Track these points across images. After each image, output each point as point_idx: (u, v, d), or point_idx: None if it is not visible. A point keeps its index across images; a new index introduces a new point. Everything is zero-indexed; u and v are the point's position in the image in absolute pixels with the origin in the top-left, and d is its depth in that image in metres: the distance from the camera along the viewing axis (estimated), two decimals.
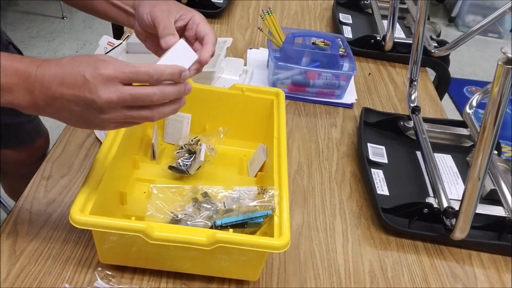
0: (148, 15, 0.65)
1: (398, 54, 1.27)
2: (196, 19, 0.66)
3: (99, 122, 0.54)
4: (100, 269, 0.65)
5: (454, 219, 0.74)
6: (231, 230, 0.63)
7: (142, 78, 0.53)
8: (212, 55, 0.63)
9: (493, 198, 0.85)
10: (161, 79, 0.54)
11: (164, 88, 0.54)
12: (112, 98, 0.51)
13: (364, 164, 0.88)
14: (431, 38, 1.31)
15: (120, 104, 0.52)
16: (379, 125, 1.00)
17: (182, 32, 0.67)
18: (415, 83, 1.04)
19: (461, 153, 0.97)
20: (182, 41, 0.60)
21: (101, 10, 0.73)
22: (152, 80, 0.53)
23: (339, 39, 1.15)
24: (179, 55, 0.59)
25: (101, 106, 0.52)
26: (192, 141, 0.81)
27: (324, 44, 1.14)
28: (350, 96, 1.10)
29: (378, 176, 0.87)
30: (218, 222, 0.64)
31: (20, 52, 1.06)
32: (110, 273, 0.65)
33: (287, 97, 1.06)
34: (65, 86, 0.52)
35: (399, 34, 1.39)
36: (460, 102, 2.79)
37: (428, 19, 1.12)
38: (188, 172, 0.78)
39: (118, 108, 0.53)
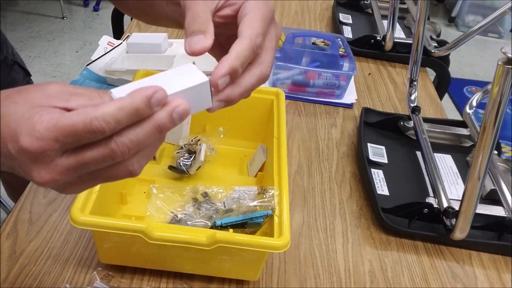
0: (184, 1, 0.44)
1: (398, 54, 1.27)
2: (247, 7, 0.44)
3: (60, 192, 0.39)
4: (100, 269, 0.65)
5: (454, 219, 0.74)
6: (231, 230, 0.63)
7: (86, 138, 0.34)
8: (232, 72, 0.40)
9: (493, 198, 0.85)
10: (119, 128, 0.34)
11: (127, 135, 0.35)
12: (55, 178, 0.36)
13: (364, 164, 0.88)
14: (431, 38, 1.31)
15: (72, 177, 0.36)
16: (379, 125, 1.00)
17: (228, 27, 0.46)
18: (415, 83, 1.04)
19: (461, 153, 0.97)
20: (190, 65, 0.40)
21: (158, 8, 0.53)
22: (103, 136, 0.34)
23: (339, 39, 1.15)
24: (180, 79, 0.38)
25: (48, 187, 0.37)
26: (192, 141, 0.81)
27: (324, 44, 1.14)
28: (350, 96, 1.11)
29: (378, 176, 0.87)
30: (218, 222, 0.64)
31: (26, 72, 1.05)
32: (110, 273, 0.65)
33: (287, 97, 1.06)
34: None
35: (399, 34, 1.39)
36: (460, 102, 2.79)
37: (428, 19, 1.12)
38: (188, 172, 0.78)
39: (73, 180, 0.37)
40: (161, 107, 0.35)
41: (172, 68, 0.39)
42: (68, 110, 0.36)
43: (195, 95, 0.38)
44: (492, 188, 0.85)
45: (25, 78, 1.03)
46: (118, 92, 0.36)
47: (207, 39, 0.41)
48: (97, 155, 0.35)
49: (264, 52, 0.44)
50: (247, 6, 0.44)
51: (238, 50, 0.40)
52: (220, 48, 0.49)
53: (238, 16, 0.45)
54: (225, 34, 0.48)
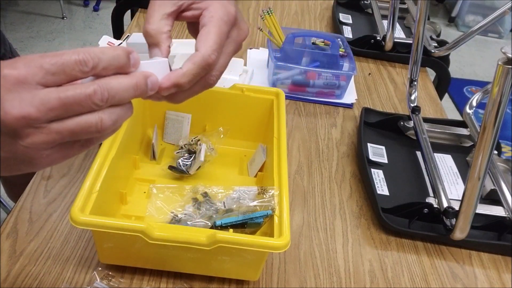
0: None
1: (398, 54, 1.27)
2: (206, 16, 0.46)
3: (22, 155, 0.35)
4: (100, 269, 0.65)
5: (454, 219, 0.74)
6: (231, 230, 0.63)
7: (70, 70, 0.35)
8: (177, 86, 0.43)
9: (493, 198, 0.85)
10: (101, 66, 0.36)
11: (109, 81, 0.37)
12: (29, 112, 0.33)
13: (364, 164, 0.88)
14: (431, 38, 1.31)
15: (44, 118, 0.34)
16: (379, 125, 1.00)
17: (194, 29, 0.48)
18: (415, 83, 1.04)
19: (461, 153, 0.97)
20: (159, 58, 0.44)
21: None
22: (86, 70, 0.36)
23: (339, 39, 1.15)
24: (154, 69, 0.42)
25: (15, 128, 0.33)
26: (192, 141, 0.81)
27: (324, 44, 1.14)
28: (350, 96, 1.11)
29: (378, 176, 0.87)
30: (218, 222, 0.64)
31: None
32: (110, 273, 0.65)
33: (287, 97, 1.06)
34: None
35: (399, 34, 1.39)
36: (460, 102, 2.79)
37: (428, 19, 1.12)
38: (188, 172, 0.78)
39: (43, 125, 0.34)
40: (134, 68, 0.39)
41: (152, 60, 0.44)
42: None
43: (158, 71, 0.42)
44: (492, 188, 0.85)
45: None
46: None
47: (162, 53, 0.45)
48: (79, 92, 0.35)
49: (220, 58, 0.46)
50: (206, 15, 0.46)
51: (188, 68, 0.43)
52: (197, 33, 0.50)
53: (200, 23, 0.46)
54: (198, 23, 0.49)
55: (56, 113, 0.35)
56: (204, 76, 0.45)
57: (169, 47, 0.46)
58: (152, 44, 0.46)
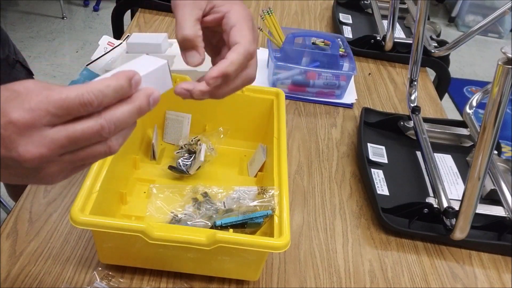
0: (173, 8, 0.49)
1: (398, 54, 1.27)
2: (232, 17, 0.49)
3: (40, 180, 0.39)
4: (100, 269, 0.65)
5: (454, 219, 0.74)
6: (231, 230, 0.63)
7: (77, 111, 0.36)
8: (225, 76, 0.46)
9: (493, 198, 0.85)
10: (106, 101, 0.37)
11: (115, 113, 0.38)
12: (41, 152, 0.36)
13: (364, 164, 0.88)
14: (431, 38, 1.31)
15: (57, 153, 0.37)
16: (379, 125, 1.00)
17: (213, 34, 0.51)
18: (415, 83, 1.04)
19: (461, 153, 0.97)
20: (147, 56, 0.45)
21: None
22: (92, 109, 0.37)
23: (339, 39, 1.15)
24: (142, 66, 0.43)
25: (32, 166, 0.36)
26: (192, 141, 0.81)
27: (324, 44, 1.14)
28: (350, 96, 1.11)
29: (378, 176, 0.87)
30: (218, 222, 0.64)
31: (29, 71, 1.04)
32: (110, 273, 0.65)
33: (287, 97, 1.06)
34: None
35: (399, 34, 1.39)
36: (460, 102, 2.79)
37: (428, 19, 1.12)
38: (188, 172, 0.78)
39: (55, 159, 0.37)
40: (137, 90, 0.40)
41: (135, 59, 0.44)
42: None
43: (158, 77, 0.44)
44: (492, 188, 0.85)
45: (27, 77, 1.03)
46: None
47: (201, 55, 0.47)
48: (86, 130, 0.37)
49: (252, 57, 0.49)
50: (232, 17, 0.48)
51: (233, 57, 0.46)
52: (214, 49, 0.54)
53: (224, 24, 0.49)
54: (214, 37, 0.52)
55: (67, 149, 0.37)
56: (245, 69, 0.48)
57: (204, 51, 0.48)
58: (188, 48, 0.47)
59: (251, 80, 0.50)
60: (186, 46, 0.47)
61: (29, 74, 1.05)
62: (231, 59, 0.46)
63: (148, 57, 0.45)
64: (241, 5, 0.50)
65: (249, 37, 0.47)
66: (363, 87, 1.17)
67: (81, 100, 0.36)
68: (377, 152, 0.93)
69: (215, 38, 0.53)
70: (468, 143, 1.00)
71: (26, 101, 0.35)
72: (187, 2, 0.48)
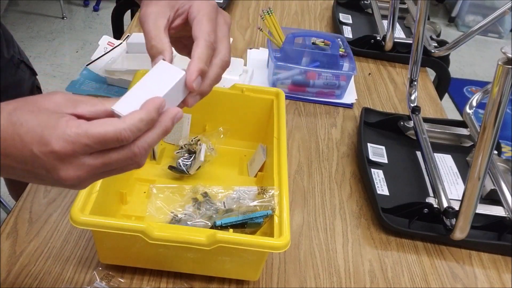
0: (141, 18, 0.52)
1: (398, 54, 1.27)
2: (192, 12, 0.51)
3: (69, 187, 0.43)
4: (100, 269, 0.65)
5: (454, 219, 0.74)
6: (231, 230, 0.63)
7: (112, 145, 0.40)
8: (201, 73, 0.48)
9: (493, 198, 0.85)
10: (139, 135, 0.41)
11: (146, 140, 0.42)
12: (80, 175, 0.40)
13: (364, 164, 0.88)
14: (431, 38, 1.31)
15: (94, 174, 0.41)
16: (379, 125, 1.00)
17: (184, 30, 0.53)
18: (415, 83, 1.04)
19: (461, 153, 0.97)
20: (161, 62, 0.48)
21: None
22: (125, 144, 0.41)
23: (339, 39, 1.15)
24: (162, 80, 0.45)
25: (70, 183, 0.41)
26: (192, 141, 0.81)
27: (324, 44, 1.14)
28: (350, 96, 1.10)
29: (378, 176, 0.87)
30: (218, 222, 0.64)
31: (33, 71, 1.05)
32: (110, 273, 0.65)
33: (287, 97, 1.06)
34: (11, 159, 0.39)
35: (399, 34, 1.39)
36: (460, 102, 2.79)
37: (428, 19, 1.12)
38: (188, 172, 0.78)
39: (92, 177, 0.42)
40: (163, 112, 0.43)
41: (150, 70, 0.46)
42: (78, 116, 0.41)
43: (178, 89, 0.47)
44: (492, 188, 0.85)
45: (31, 77, 1.04)
46: (120, 107, 0.42)
47: (167, 58, 0.48)
48: (121, 157, 0.41)
49: (219, 43, 0.51)
50: (193, 11, 0.51)
51: (198, 52, 0.48)
52: (186, 49, 0.56)
53: (189, 20, 0.51)
54: (185, 36, 0.54)
55: (102, 170, 0.41)
56: (216, 56, 0.50)
57: (172, 53, 0.50)
58: (156, 55, 0.49)
59: (227, 63, 0.52)
60: (154, 53, 0.49)
61: (33, 74, 1.05)
62: (196, 55, 0.48)
63: (166, 66, 0.47)
64: (206, 2, 0.51)
65: (207, 29, 0.49)
66: (363, 87, 1.17)
67: (119, 137, 0.39)
68: (377, 152, 0.93)
69: (185, 38, 0.55)
70: (468, 143, 1.00)
71: (67, 132, 0.38)
72: (151, 14, 0.51)
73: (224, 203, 0.68)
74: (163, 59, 0.48)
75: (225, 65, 0.51)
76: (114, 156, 0.41)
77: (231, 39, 1.13)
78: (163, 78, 0.45)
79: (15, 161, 0.40)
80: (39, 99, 0.41)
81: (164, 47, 0.49)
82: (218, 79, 0.51)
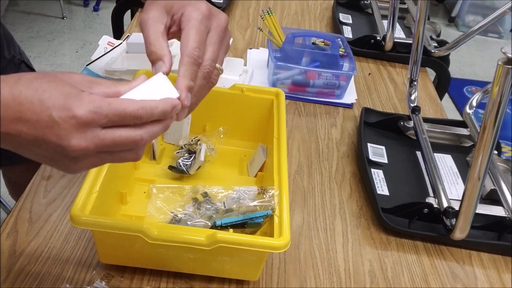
0: (140, 23, 0.53)
1: (398, 54, 1.27)
2: (182, 22, 0.51)
3: (68, 168, 0.44)
4: (100, 269, 0.65)
5: (454, 219, 0.74)
6: (231, 230, 0.63)
7: (128, 121, 0.43)
8: (189, 89, 0.49)
9: (493, 198, 0.85)
10: (150, 120, 0.44)
11: (152, 128, 0.44)
12: (88, 147, 0.41)
13: (364, 164, 0.88)
14: (431, 38, 1.31)
15: (98, 150, 0.43)
16: (379, 125, 1.00)
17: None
18: (415, 83, 1.04)
19: (461, 153, 0.97)
20: (160, 75, 0.48)
21: None
22: (139, 122, 0.43)
23: (339, 39, 1.15)
24: (155, 95, 0.46)
25: (74, 155, 0.42)
26: (192, 141, 0.81)
27: (324, 44, 1.14)
28: (350, 96, 1.10)
29: (378, 176, 0.87)
30: (218, 222, 0.64)
31: (34, 71, 1.04)
32: (110, 273, 0.65)
33: (287, 97, 1.06)
34: (23, 124, 0.40)
35: (399, 34, 1.39)
36: (460, 102, 2.79)
37: (428, 19, 1.12)
38: (188, 172, 0.78)
39: (94, 154, 0.43)
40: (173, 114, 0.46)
41: (147, 81, 0.47)
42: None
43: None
44: (492, 188, 0.85)
45: None
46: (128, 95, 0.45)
47: (167, 64, 0.50)
48: (129, 137, 0.43)
49: (206, 53, 0.51)
50: (183, 20, 0.51)
51: (182, 70, 0.48)
52: None
53: (180, 29, 0.51)
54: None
55: (107, 149, 0.43)
56: (200, 69, 0.50)
57: (171, 58, 0.51)
58: (156, 60, 0.50)
59: (208, 73, 0.51)
60: (154, 59, 0.50)
61: None
62: (181, 74, 0.49)
63: (163, 82, 0.48)
64: (192, 4, 0.52)
65: (193, 44, 0.49)
66: (363, 87, 1.17)
67: (136, 115, 0.42)
68: (377, 152, 0.93)
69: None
70: (468, 143, 1.00)
71: (90, 102, 0.41)
72: (149, 20, 0.52)
73: (224, 203, 0.68)
74: (163, 63, 0.49)
75: (207, 75, 0.51)
76: (123, 134, 0.43)
77: (231, 40, 1.13)
78: (157, 94, 0.46)
79: (26, 126, 0.40)
80: (58, 74, 0.43)
81: (163, 52, 0.50)
82: (203, 92, 0.52)
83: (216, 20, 0.53)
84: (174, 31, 0.53)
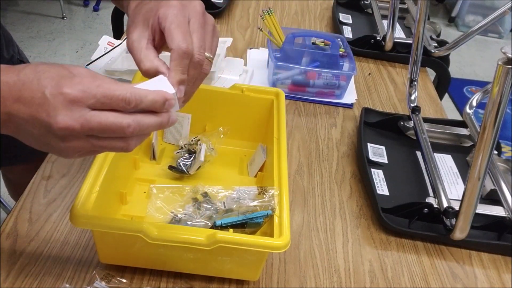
0: (128, 47, 0.53)
1: (398, 54, 1.27)
2: (161, 22, 0.51)
3: (59, 150, 0.45)
4: (100, 269, 0.65)
5: (454, 219, 0.74)
6: (231, 230, 0.63)
7: (116, 104, 0.43)
8: (181, 82, 0.50)
9: (493, 198, 0.85)
10: (140, 107, 0.44)
11: (142, 119, 0.45)
12: (74, 126, 0.42)
13: (364, 164, 0.88)
14: (431, 38, 1.31)
15: (85, 132, 0.43)
16: (379, 125, 1.00)
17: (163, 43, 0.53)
18: (415, 83, 1.04)
19: (461, 153, 0.97)
20: (161, 76, 0.50)
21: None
22: (128, 107, 0.44)
23: (339, 39, 1.15)
24: (153, 88, 0.48)
25: (59, 133, 0.43)
26: (192, 141, 0.81)
27: (324, 44, 1.14)
28: (350, 96, 1.11)
29: (378, 176, 0.87)
30: (218, 222, 0.64)
31: None
32: (110, 273, 0.65)
33: (287, 97, 1.06)
34: (21, 102, 0.43)
35: (399, 34, 1.39)
36: (460, 102, 2.79)
37: (428, 19, 1.12)
38: (188, 172, 0.78)
39: (81, 137, 0.44)
40: (167, 111, 0.47)
41: (149, 80, 0.49)
42: None
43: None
44: (492, 188, 0.85)
45: None
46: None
47: (163, 71, 0.50)
48: (116, 122, 0.43)
49: (193, 39, 0.51)
50: (161, 22, 0.51)
51: (172, 65, 0.49)
52: None
53: (162, 30, 0.51)
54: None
55: (94, 132, 0.44)
56: (192, 61, 0.51)
57: (166, 65, 0.51)
58: (153, 75, 0.51)
59: (199, 62, 0.51)
60: (151, 75, 0.51)
61: None
62: (172, 68, 0.49)
63: (162, 81, 0.49)
64: (161, 4, 0.52)
65: (176, 38, 0.49)
66: (363, 87, 1.17)
67: (124, 97, 0.43)
68: (377, 152, 0.93)
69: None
70: (468, 143, 1.00)
71: (80, 83, 0.42)
72: (134, 42, 0.52)
73: (224, 203, 0.68)
74: (161, 72, 0.50)
75: (197, 64, 0.51)
76: (111, 117, 0.43)
77: (231, 39, 1.13)
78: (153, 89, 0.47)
79: (23, 105, 0.42)
80: (66, 65, 0.46)
81: (155, 64, 0.51)
82: (196, 81, 0.53)
83: (191, 8, 0.53)
84: (158, 41, 0.53)
